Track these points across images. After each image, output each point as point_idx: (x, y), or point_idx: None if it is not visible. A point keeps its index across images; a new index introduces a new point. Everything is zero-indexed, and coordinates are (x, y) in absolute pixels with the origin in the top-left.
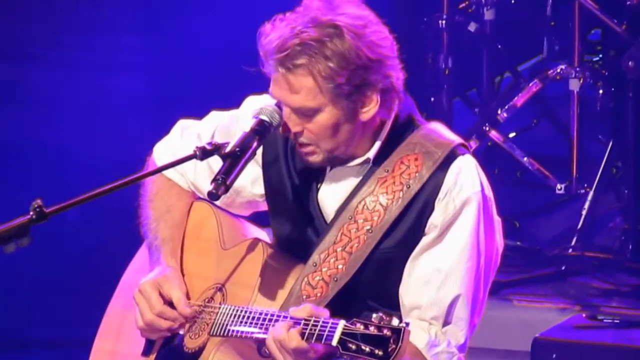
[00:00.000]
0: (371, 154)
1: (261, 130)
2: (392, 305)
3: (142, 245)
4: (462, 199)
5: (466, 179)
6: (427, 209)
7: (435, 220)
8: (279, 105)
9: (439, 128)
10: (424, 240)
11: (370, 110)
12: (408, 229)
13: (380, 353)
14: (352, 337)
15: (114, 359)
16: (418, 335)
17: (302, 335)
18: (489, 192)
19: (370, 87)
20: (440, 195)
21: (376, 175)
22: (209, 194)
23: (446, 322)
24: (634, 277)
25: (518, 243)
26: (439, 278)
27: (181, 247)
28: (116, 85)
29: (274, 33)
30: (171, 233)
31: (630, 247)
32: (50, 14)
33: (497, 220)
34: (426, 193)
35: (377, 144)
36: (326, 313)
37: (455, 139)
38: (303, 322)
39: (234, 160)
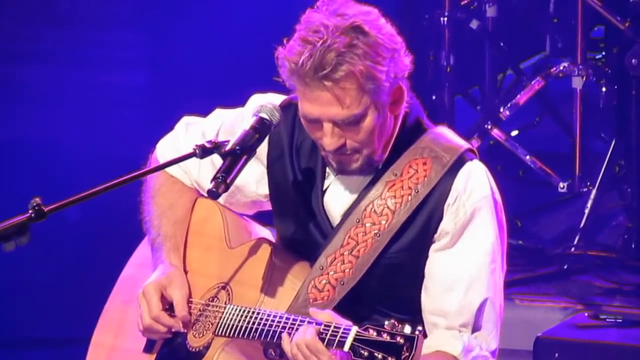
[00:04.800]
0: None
1: (261, 129)
2: (400, 310)
3: (143, 241)
4: (472, 203)
5: (476, 184)
6: (436, 213)
7: (447, 226)
8: (282, 105)
9: (446, 132)
10: (438, 246)
11: (401, 101)
12: (416, 233)
13: None
14: (364, 343)
15: (114, 354)
16: (451, 344)
17: (321, 338)
18: (499, 197)
19: (399, 78)
20: (450, 200)
21: (384, 179)
22: (209, 192)
23: (476, 328)
24: (637, 276)
25: (520, 242)
26: (463, 284)
27: (185, 243)
28: (116, 81)
29: (303, 55)
30: (174, 230)
31: (633, 245)
32: (50, 10)
33: (504, 226)
34: (435, 198)
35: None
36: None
37: (463, 144)
38: (323, 325)
39: (234, 158)
